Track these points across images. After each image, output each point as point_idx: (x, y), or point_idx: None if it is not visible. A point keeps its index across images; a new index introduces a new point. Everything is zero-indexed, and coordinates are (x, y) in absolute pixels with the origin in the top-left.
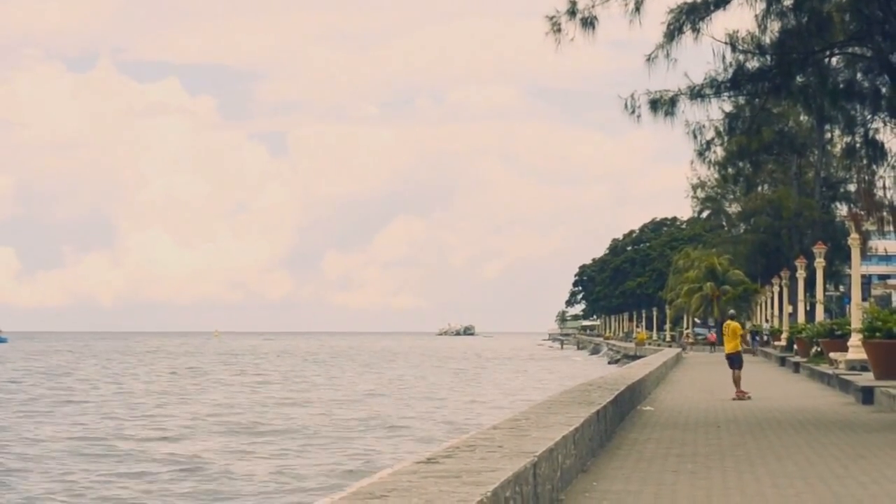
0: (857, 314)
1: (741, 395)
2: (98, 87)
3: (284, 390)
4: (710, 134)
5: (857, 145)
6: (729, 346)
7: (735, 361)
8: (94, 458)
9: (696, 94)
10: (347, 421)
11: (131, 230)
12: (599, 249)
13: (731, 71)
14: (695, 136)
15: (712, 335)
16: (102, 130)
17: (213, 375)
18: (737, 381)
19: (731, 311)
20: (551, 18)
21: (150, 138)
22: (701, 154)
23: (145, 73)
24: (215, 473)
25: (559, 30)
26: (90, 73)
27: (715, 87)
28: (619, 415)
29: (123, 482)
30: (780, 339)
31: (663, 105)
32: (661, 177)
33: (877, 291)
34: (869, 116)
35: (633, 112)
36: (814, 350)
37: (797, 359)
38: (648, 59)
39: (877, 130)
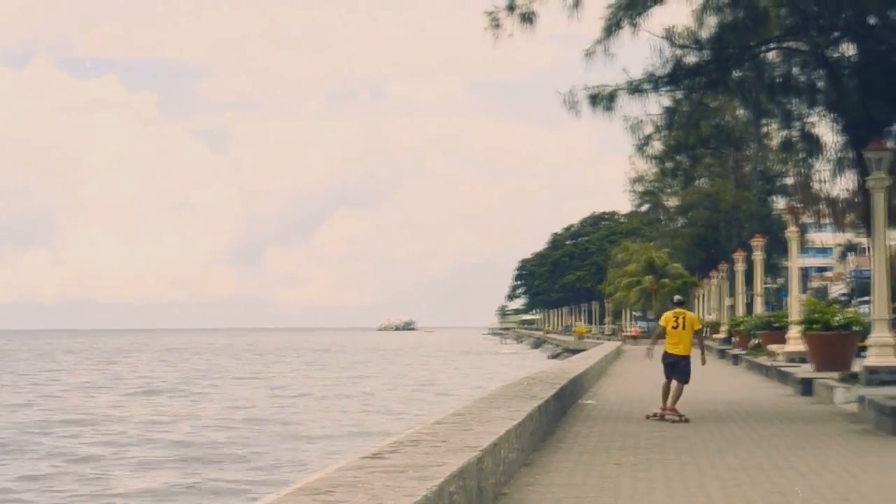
0: (795, 306)
1: (668, 413)
2: (35, 84)
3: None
4: (648, 128)
5: (794, 139)
6: (676, 346)
7: (678, 370)
8: None
9: (635, 88)
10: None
11: (72, 227)
12: (541, 243)
13: (669, 66)
14: (633, 131)
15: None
16: (41, 127)
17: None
18: (667, 394)
19: (678, 297)
20: (490, 14)
21: (90, 135)
22: (640, 149)
23: (83, 70)
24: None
25: (498, 25)
26: (27, 69)
27: (653, 82)
28: (562, 408)
29: None
30: (719, 332)
31: (602, 100)
32: (602, 170)
33: (814, 284)
34: (805, 111)
35: (572, 107)
36: (753, 342)
37: (736, 351)
38: (587, 54)
39: (813, 124)
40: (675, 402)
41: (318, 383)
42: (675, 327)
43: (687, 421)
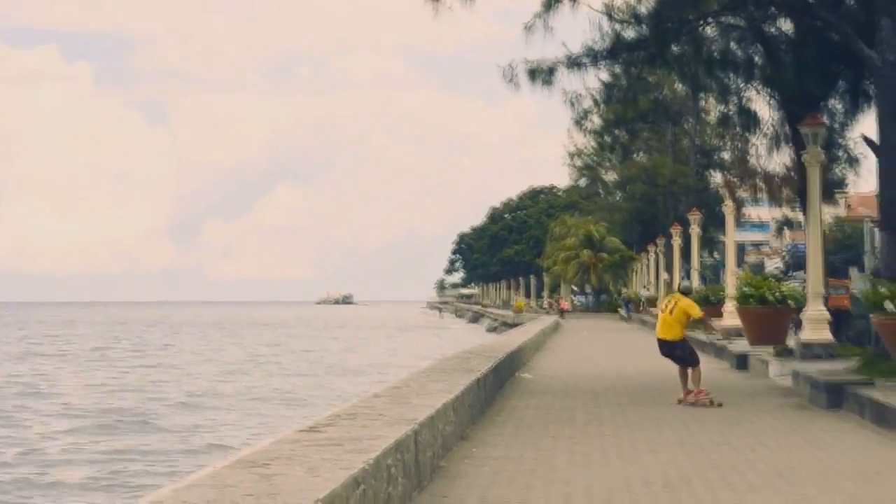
0: (731, 281)
1: (701, 396)
2: None
3: None
4: (587, 103)
5: (731, 114)
6: (663, 330)
7: (674, 357)
8: None
9: (574, 63)
10: None
11: (7, 200)
12: (480, 217)
13: (608, 40)
14: (572, 105)
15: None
16: None
17: None
18: (684, 378)
19: (686, 282)
20: None
21: (26, 106)
22: (578, 123)
23: (20, 40)
24: None
25: None
26: None
27: (592, 57)
28: (499, 382)
29: None
30: (656, 307)
31: (541, 74)
32: (541, 145)
33: (750, 258)
34: (743, 85)
35: (511, 80)
36: None
37: None
38: (526, 28)
39: (750, 99)
40: (697, 385)
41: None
42: (663, 310)
43: (720, 405)
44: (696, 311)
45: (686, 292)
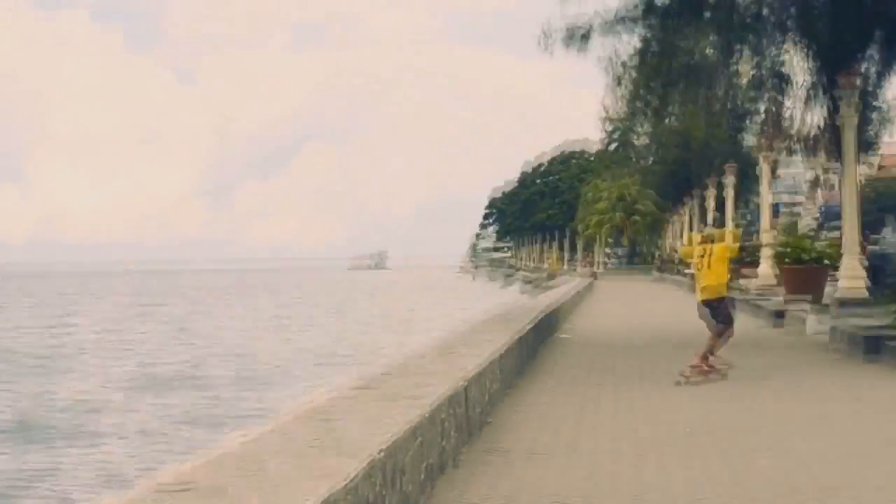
0: (767, 238)
1: (706, 368)
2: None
3: None
4: (620, 68)
5: (765, 76)
6: (704, 289)
7: (716, 311)
8: None
9: (609, 28)
10: None
11: (40, 164)
12: (512, 176)
13: (641, 4)
14: (607, 71)
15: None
16: (6, 61)
17: None
18: (711, 346)
19: (708, 230)
20: None
21: (57, 69)
22: (614, 88)
23: (51, 2)
24: None
25: None
26: None
27: (627, 21)
28: (540, 340)
29: None
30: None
31: (575, 41)
32: (573, 102)
33: (783, 219)
34: (776, 49)
35: (546, 47)
36: None
37: None
38: None
39: (783, 62)
40: (706, 350)
41: None
42: (700, 268)
43: (724, 377)
44: (734, 247)
45: (711, 238)
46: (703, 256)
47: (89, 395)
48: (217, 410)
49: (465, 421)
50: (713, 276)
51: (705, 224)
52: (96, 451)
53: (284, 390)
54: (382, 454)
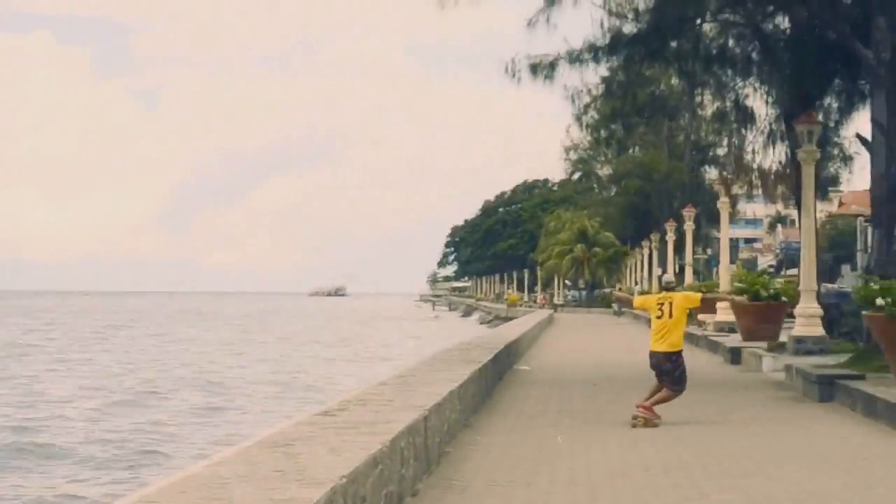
0: (725, 277)
1: (639, 409)
2: None
3: None
4: (586, 98)
5: (728, 110)
6: (660, 340)
7: (664, 373)
8: None
9: (575, 58)
10: None
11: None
12: (473, 209)
13: (608, 36)
14: (573, 101)
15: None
16: None
17: None
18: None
19: (667, 278)
20: None
21: (21, 91)
22: (578, 118)
23: (14, 25)
24: None
25: None
26: None
27: (593, 52)
28: (498, 373)
29: None
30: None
31: (543, 69)
32: (536, 137)
33: (744, 255)
34: (740, 82)
35: (514, 76)
36: None
37: None
38: (529, 24)
39: (747, 96)
40: (654, 401)
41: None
42: (659, 316)
43: (655, 426)
44: (695, 297)
45: (670, 287)
46: (661, 305)
47: (43, 415)
48: (176, 436)
49: (425, 450)
50: (676, 324)
51: (663, 269)
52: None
53: (245, 418)
54: (345, 480)
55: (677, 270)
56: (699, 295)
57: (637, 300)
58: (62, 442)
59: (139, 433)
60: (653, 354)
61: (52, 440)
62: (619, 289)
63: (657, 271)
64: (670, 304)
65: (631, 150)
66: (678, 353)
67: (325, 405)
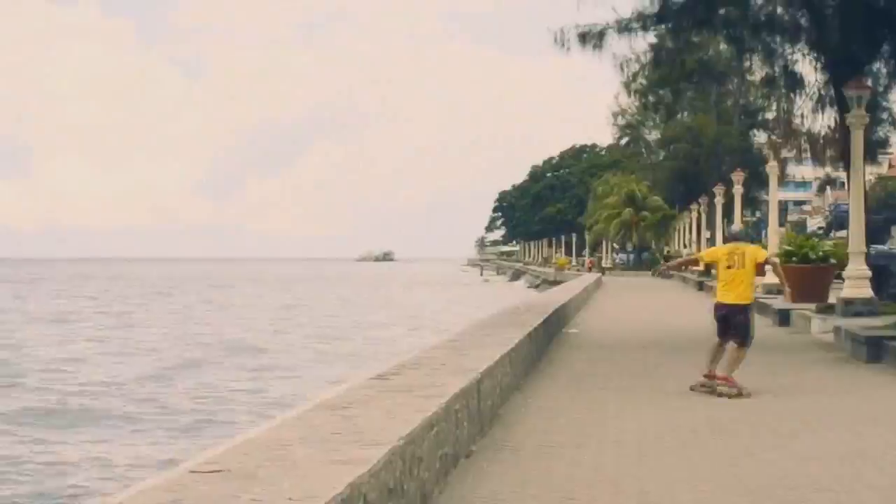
0: (774, 239)
1: (719, 381)
2: (10, 9)
3: None
4: (635, 66)
5: (777, 76)
6: (730, 292)
7: (734, 325)
8: None
9: (624, 27)
10: None
11: (47, 156)
12: (520, 174)
13: (657, 4)
14: (622, 69)
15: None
16: (15, 54)
17: None
18: (715, 357)
19: (735, 228)
20: None
21: (67, 62)
22: (627, 85)
23: None
24: None
25: None
26: None
27: (642, 21)
28: (548, 336)
29: None
30: (698, 265)
31: (592, 38)
32: (584, 102)
33: (792, 217)
34: (788, 48)
35: (563, 45)
36: None
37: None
38: None
39: (795, 61)
40: (730, 368)
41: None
42: (729, 266)
43: (748, 395)
44: (763, 252)
45: (739, 237)
46: (733, 254)
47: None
48: (232, 400)
49: (478, 413)
50: (746, 275)
51: (712, 229)
52: (118, 439)
53: (304, 381)
54: (402, 442)
55: (729, 223)
56: (766, 252)
57: (705, 253)
58: (118, 407)
59: (197, 398)
60: (721, 306)
61: (107, 405)
62: (668, 252)
63: (706, 234)
64: (742, 254)
65: (679, 115)
66: (749, 306)
67: (380, 369)
